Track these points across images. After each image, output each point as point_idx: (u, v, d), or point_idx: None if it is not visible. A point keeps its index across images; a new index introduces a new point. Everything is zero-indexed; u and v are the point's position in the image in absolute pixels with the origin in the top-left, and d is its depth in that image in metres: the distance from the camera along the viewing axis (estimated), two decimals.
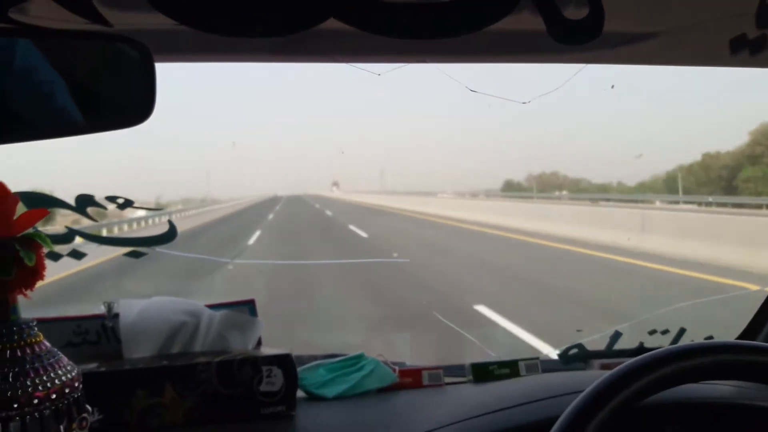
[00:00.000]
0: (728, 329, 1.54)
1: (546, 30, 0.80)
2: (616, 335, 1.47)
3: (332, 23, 0.72)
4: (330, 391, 1.25)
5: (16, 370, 0.67)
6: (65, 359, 0.72)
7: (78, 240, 1.19)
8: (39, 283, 0.72)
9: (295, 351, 1.23)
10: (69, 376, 0.71)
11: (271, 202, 42.18)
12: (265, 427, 1.11)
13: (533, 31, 0.85)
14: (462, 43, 0.88)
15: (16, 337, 0.69)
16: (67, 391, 0.70)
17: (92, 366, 1.12)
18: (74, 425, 0.71)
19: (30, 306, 0.74)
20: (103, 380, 1.08)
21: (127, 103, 0.81)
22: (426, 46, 0.97)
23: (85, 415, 0.72)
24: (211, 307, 1.27)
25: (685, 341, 1.38)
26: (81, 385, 0.72)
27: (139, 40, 0.75)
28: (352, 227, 17.95)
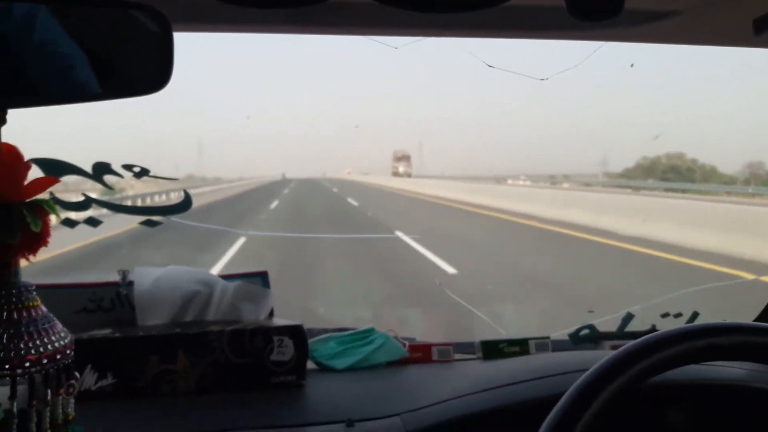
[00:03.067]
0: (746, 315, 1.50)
1: (566, 6, 0.79)
2: (628, 317, 1.47)
3: None
4: (340, 363, 1.27)
5: (11, 332, 0.68)
6: (60, 325, 0.73)
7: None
8: (58, 250, 0.73)
9: (307, 324, 1.24)
10: (62, 342, 0.72)
11: (274, 187, 32.60)
12: (276, 395, 1.13)
13: (553, 7, 0.83)
14: (482, 17, 0.87)
15: (14, 299, 0.70)
16: (58, 357, 0.70)
17: (106, 332, 1.14)
18: (62, 391, 0.72)
19: (43, 272, 0.75)
20: (116, 346, 1.10)
21: (143, 70, 0.81)
22: (445, 19, 0.95)
23: (72, 381, 0.73)
24: (225, 277, 1.29)
25: None
26: (72, 353, 0.73)
27: (157, 8, 0.75)
28: None
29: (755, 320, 1.43)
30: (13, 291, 0.70)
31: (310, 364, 1.22)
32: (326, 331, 1.37)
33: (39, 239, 0.72)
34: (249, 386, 1.14)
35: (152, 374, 1.11)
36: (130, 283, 1.22)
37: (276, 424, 1.02)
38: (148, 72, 0.81)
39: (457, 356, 1.36)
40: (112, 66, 0.81)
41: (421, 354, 1.34)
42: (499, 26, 1.06)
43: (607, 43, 1.06)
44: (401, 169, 49.31)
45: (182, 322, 1.22)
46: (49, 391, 0.70)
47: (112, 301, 1.22)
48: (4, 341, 0.67)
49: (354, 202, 22.12)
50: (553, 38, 1.14)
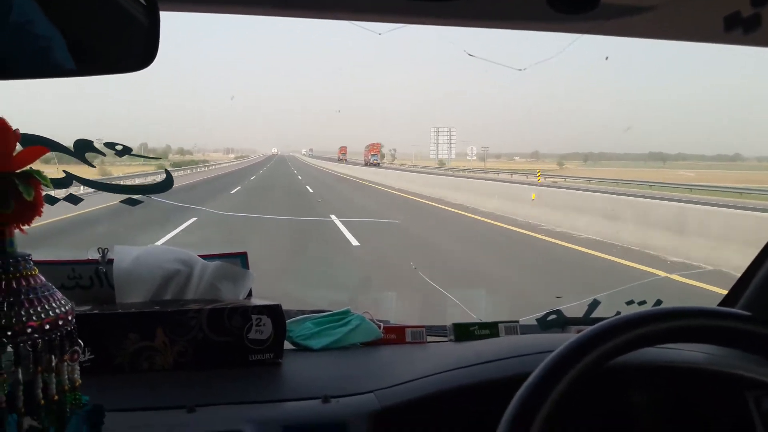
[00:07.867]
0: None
1: None
2: (595, 303, 1.51)
3: None
4: (316, 343, 1.29)
5: (11, 300, 0.69)
6: (59, 293, 0.74)
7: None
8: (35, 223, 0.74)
9: (284, 305, 1.26)
10: (63, 309, 0.72)
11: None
12: (253, 373, 1.14)
13: None
14: (463, 7, 0.89)
15: (12, 268, 0.70)
16: (60, 323, 0.71)
17: (85, 309, 1.14)
18: (66, 357, 0.73)
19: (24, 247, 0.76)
20: (95, 322, 1.11)
21: (129, 47, 0.82)
22: (427, 7, 0.97)
23: (76, 348, 0.74)
24: (204, 257, 1.29)
25: None
26: (74, 319, 0.74)
27: None
28: None
29: (719, 305, 1.47)
30: (11, 260, 0.70)
31: (287, 344, 1.24)
32: (303, 312, 1.39)
33: (32, 209, 0.72)
34: (227, 363, 1.15)
35: (131, 350, 1.12)
36: (110, 261, 1.22)
37: (254, 399, 1.03)
38: (133, 49, 0.81)
39: (430, 338, 1.40)
40: (97, 42, 0.81)
41: (395, 336, 1.37)
42: (481, 16, 1.09)
43: (582, 36, 1.09)
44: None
45: (161, 300, 1.23)
46: (53, 358, 0.71)
47: (91, 278, 1.22)
48: (4, 309, 0.68)
49: None
50: (533, 29, 1.16)
